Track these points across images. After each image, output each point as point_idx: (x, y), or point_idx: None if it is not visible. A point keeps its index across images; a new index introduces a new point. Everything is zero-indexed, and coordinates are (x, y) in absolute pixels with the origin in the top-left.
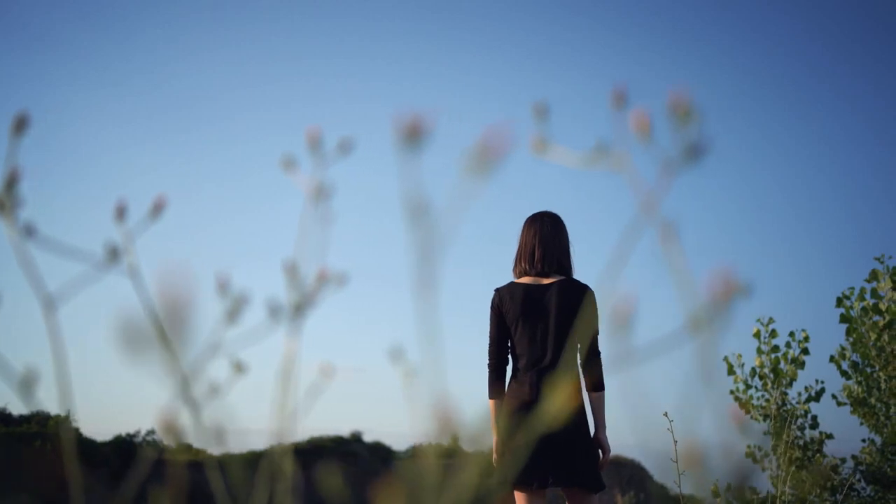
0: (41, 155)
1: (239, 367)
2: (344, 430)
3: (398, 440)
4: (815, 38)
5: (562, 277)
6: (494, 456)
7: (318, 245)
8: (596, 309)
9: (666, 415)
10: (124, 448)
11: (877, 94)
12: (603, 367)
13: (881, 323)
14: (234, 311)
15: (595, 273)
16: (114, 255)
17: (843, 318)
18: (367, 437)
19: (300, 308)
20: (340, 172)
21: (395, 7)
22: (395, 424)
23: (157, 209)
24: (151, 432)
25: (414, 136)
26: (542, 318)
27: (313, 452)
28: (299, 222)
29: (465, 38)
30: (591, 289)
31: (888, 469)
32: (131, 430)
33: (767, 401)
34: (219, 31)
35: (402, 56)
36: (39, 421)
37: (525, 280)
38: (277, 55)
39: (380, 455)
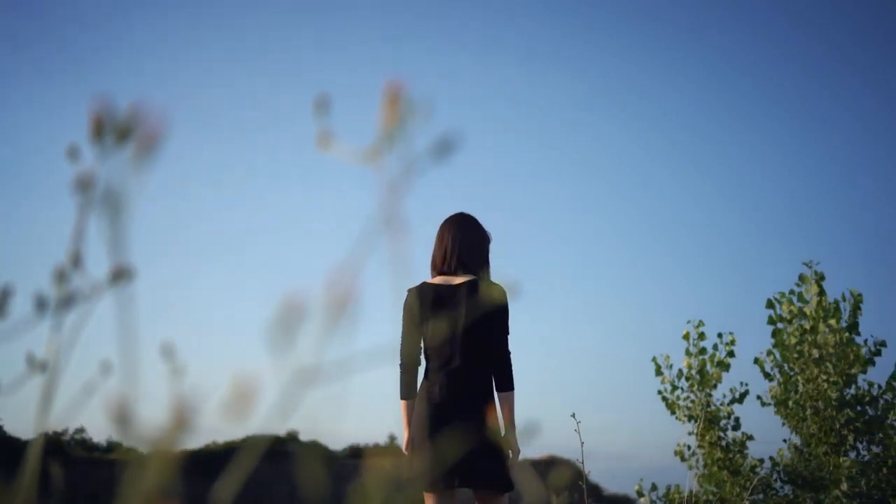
0: None
1: (37, 364)
2: (280, 430)
3: (335, 440)
4: (814, 39)
5: (473, 277)
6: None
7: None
8: (506, 308)
9: (574, 415)
10: (50, 446)
11: (821, 97)
12: (512, 367)
13: (805, 326)
14: None
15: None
16: None
17: (771, 321)
18: (304, 437)
19: (65, 302)
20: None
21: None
22: (332, 423)
23: None
24: (80, 430)
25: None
26: (451, 319)
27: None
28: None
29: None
30: (502, 288)
31: (803, 469)
32: (58, 429)
33: (693, 402)
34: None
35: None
36: None
37: (437, 280)
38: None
39: (315, 455)
